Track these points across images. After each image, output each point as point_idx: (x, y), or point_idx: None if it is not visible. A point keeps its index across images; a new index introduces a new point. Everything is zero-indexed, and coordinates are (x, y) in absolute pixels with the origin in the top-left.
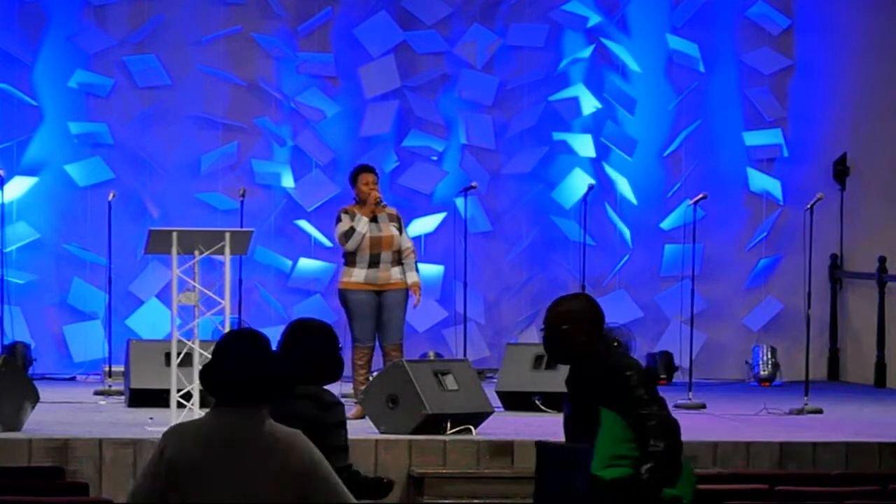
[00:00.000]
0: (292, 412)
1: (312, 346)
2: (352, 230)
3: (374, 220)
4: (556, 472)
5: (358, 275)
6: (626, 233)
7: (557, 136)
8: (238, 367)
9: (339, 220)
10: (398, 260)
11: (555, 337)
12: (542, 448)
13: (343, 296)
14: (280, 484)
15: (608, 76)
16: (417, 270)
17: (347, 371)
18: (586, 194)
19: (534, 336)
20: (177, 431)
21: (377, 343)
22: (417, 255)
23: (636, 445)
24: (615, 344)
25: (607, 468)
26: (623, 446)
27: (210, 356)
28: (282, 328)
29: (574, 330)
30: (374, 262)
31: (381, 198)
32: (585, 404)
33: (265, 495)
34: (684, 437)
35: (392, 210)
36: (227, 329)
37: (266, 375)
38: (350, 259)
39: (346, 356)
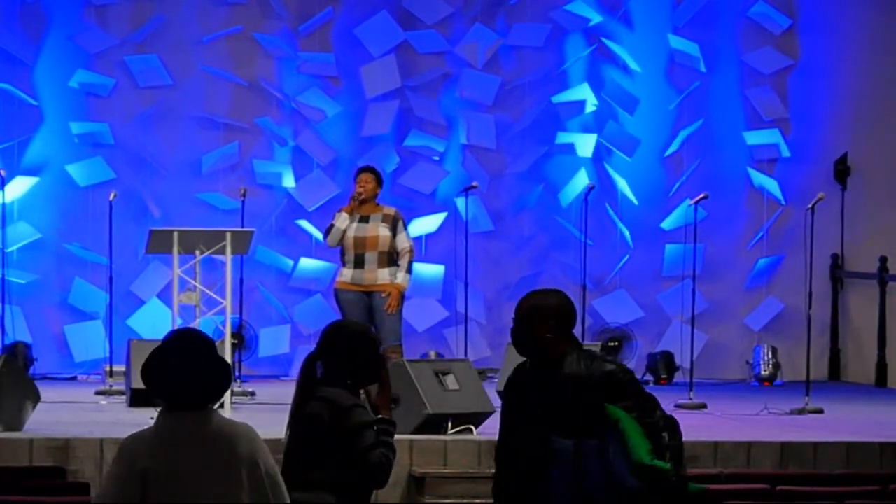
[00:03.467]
0: (308, 414)
1: (346, 348)
2: (332, 226)
3: (364, 220)
4: (568, 468)
5: (346, 275)
6: (627, 233)
7: (558, 135)
8: (184, 370)
9: (333, 219)
10: (389, 261)
11: (524, 329)
12: (556, 445)
13: (335, 295)
14: (236, 475)
15: (609, 76)
16: (410, 272)
17: None
18: (586, 194)
19: None
20: (139, 441)
21: None
22: (418, 255)
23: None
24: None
25: (654, 459)
26: (648, 441)
27: (150, 357)
28: (282, 328)
29: (546, 325)
30: (359, 263)
31: (361, 194)
32: (577, 404)
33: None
34: (686, 438)
35: (390, 210)
36: (226, 329)
37: (210, 376)
38: (341, 259)
39: None
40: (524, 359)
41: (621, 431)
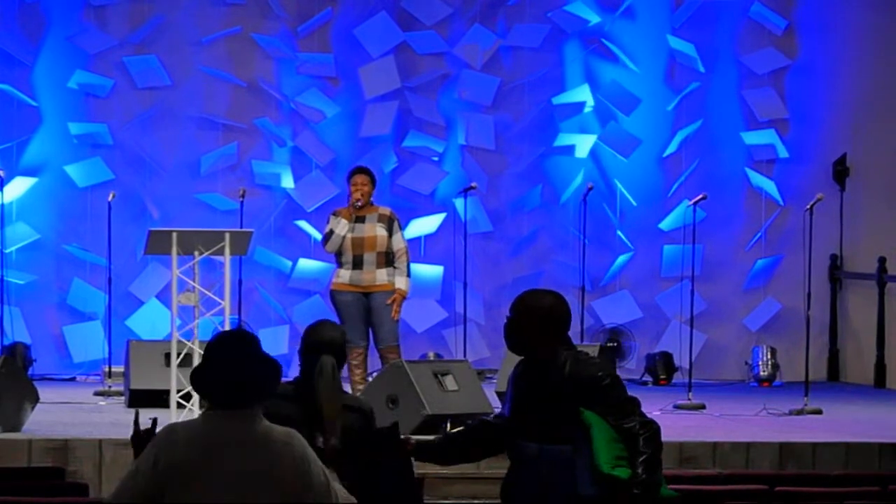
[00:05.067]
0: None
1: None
2: (331, 233)
3: (360, 220)
4: (533, 473)
5: (344, 276)
6: (622, 236)
7: (557, 136)
8: (229, 368)
9: (327, 222)
10: (387, 261)
11: (516, 327)
12: (522, 448)
13: (331, 297)
14: (275, 484)
15: (608, 76)
16: (409, 274)
17: (345, 372)
18: (585, 195)
19: None
20: (169, 437)
21: (373, 346)
22: (417, 256)
23: (625, 447)
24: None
25: (615, 468)
26: (617, 447)
27: (202, 358)
28: (281, 329)
29: (538, 325)
30: (357, 264)
31: (358, 200)
32: (557, 407)
33: (262, 497)
34: (685, 438)
35: (385, 210)
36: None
37: (257, 375)
38: (338, 260)
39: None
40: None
41: (591, 438)
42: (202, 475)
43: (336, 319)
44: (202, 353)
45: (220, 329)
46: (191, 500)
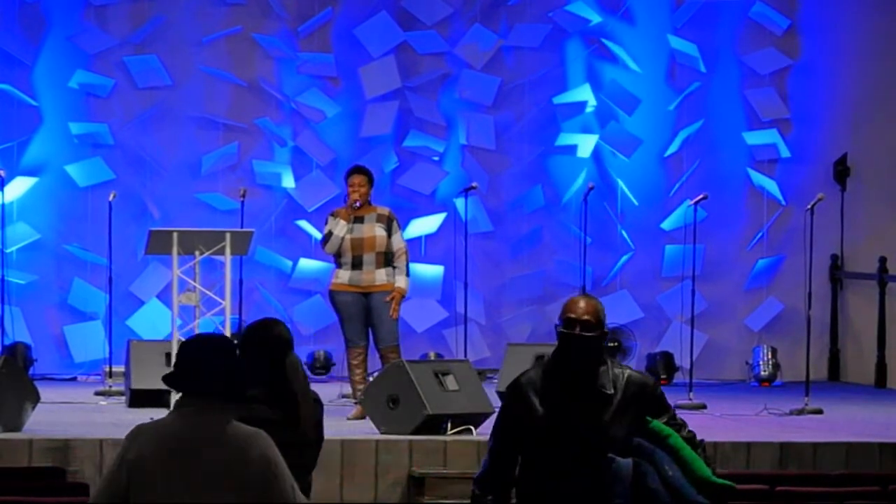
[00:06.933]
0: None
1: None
2: (329, 234)
3: (359, 220)
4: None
5: (343, 276)
6: (625, 234)
7: (558, 136)
8: (203, 357)
9: (325, 222)
10: (386, 261)
11: (597, 336)
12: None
13: (330, 297)
14: (239, 483)
15: (609, 76)
16: (408, 274)
17: (345, 371)
18: (586, 195)
19: (534, 336)
20: (138, 433)
21: (374, 346)
22: (418, 256)
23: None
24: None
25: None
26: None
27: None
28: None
29: (598, 332)
30: (356, 264)
31: (357, 201)
32: (617, 420)
33: (227, 495)
34: None
35: (384, 210)
36: (226, 330)
37: (229, 366)
38: (337, 261)
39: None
40: (525, 360)
41: (674, 448)
42: (164, 473)
43: (336, 320)
44: (178, 349)
45: (221, 328)
46: (154, 498)
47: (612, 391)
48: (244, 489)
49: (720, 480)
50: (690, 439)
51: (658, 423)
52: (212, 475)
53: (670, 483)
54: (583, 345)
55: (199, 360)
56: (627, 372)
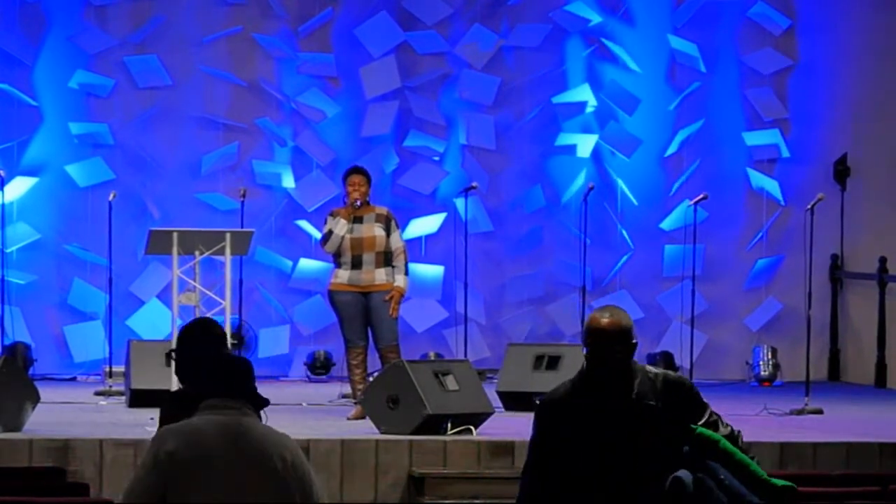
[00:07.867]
0: None
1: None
2: (329, 233)
3: (358, 220)
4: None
5: (342, 276)
6: (626, 234)
7: (558, 136)
8: (208, 353)
9: (325, 222)
10: (385, 261)
11: (627, 351)
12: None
13: (330, 297)
14: (280, 484)
15: (609, 76)
16: (407, 273)
17: (345, 371)
18: (586, 195)
19: (533, 336)
20: (168, 434)
21: (373, 346)
22: (418, 255)
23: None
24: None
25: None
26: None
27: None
28: (281, 328)
29: (625, 347)
30: (356, 264)
31: (357, 200)
32: (661, 432)
33: (264, 493)
34: None
35: (383, 210)
36: (226, 330)
37: (236, 361)
38: (336, 261)
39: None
40: (525, 360)
41: (726, 452)
42: (210, 469)
43: (335, 319)
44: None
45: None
46: (197, 494)
47: (655, 402)
48: (285, 490)
49: (780, 482)
50: (732, 436)
51: (704, 430)
52: (254, 476)
53: (727, 488)
54: (612, 357)
55: (229, 364)
56: (661, 375)
